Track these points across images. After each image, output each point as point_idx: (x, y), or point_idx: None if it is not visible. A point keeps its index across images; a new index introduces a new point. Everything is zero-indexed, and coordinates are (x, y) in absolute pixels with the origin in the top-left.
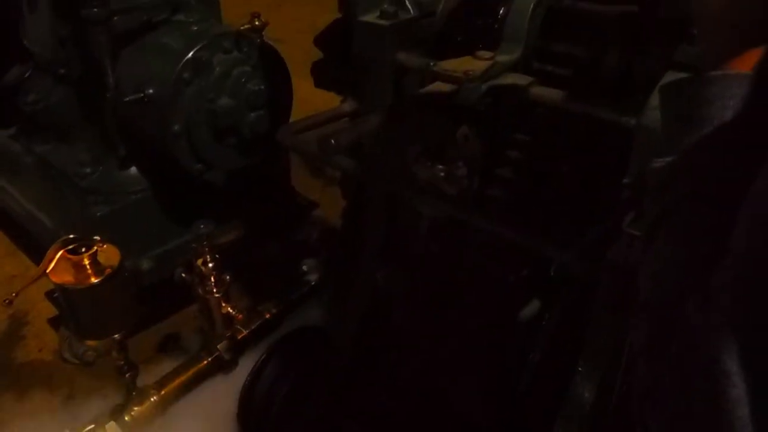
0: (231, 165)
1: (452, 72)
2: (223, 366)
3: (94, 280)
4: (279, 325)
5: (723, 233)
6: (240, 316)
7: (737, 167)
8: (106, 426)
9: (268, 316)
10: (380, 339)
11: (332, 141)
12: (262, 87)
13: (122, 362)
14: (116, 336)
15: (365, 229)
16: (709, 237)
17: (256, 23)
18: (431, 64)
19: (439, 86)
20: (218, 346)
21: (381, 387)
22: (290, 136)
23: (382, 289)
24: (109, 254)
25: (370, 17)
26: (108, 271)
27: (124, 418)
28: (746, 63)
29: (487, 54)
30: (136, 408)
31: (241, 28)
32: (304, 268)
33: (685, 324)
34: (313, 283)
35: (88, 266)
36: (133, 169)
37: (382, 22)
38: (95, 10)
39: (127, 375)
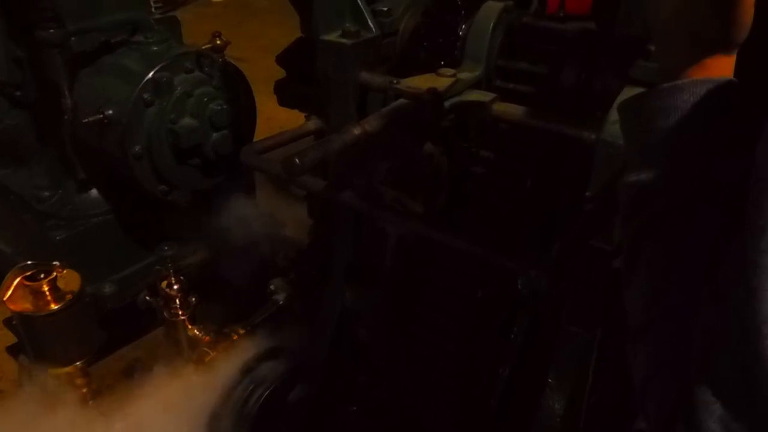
0: (195, 186)
1: (415, 89)
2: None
3: (53, 306)
4: (247, 346)
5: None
6: (207, 338)
7: (732, 168)
8: None
9: (235, 337)
10: (350, 358)
11: (296, 161)
12: (225, 106)
13: (85, 390)
14: (78, 363)
15: (333, 248)
16: (711, 237)
17: (218, 42)
18: (394, 82)
19: (402, 104)
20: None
21: (352, 406)
22: (254, 156)
23: (350, 308)
24: (69, 279)
25: (333, 36)
26: (68, 296)
27: None
28: (705, 69)
29: (449, 71)
30: None
31: (203, 47)
32: (272, 287)
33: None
34: (281, 303)
35: (47, 292)
36: (93, 192)
37: (344, 41)
38: (51, 31)
39: (90, 402)
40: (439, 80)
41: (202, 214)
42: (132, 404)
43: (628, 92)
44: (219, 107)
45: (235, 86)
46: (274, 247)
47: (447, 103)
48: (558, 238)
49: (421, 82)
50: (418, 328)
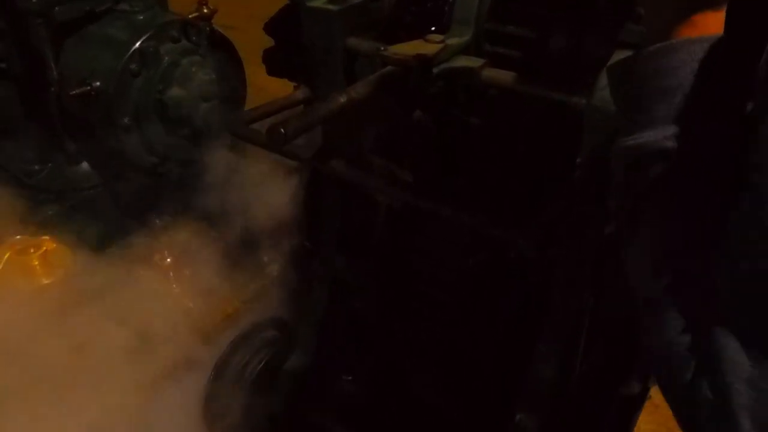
0: (185, 157)
1: (403, 56)
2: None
3: (45, 281)
4: (241, 318)
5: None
6: (200, 311)
7: (731, 125)
8: None
9: (230, 310)
10: (343, 328)
11: (282, 130)
12: (214, 76)
13: None
14: None
15: (322, 218)
16: (717, 196)
17: (205, 11)
18: (381, 49)
19: (390, 71)
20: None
21: (346, 377)
22: (241, 126)
23: (341, 278)
24: (60, 254)
25: (319, 2)
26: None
27: None
28: (694, 27)
29: (438, 37)
30: None
31: (189, 16)
32: (265, 259)
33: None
34: (274, 275)
35: (38, 267)
36: (84, 165)
37: (331, 7)
38: (33, 0)
39: None
40: (428, 46)
41: (194, 184)
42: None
43: (618, 56)
44: (207, 77)
45: (223, 56)
46: (267, 218)
47: (435, 70)
48: (548, 206)
49: (409, 48)
50: (410, 297)
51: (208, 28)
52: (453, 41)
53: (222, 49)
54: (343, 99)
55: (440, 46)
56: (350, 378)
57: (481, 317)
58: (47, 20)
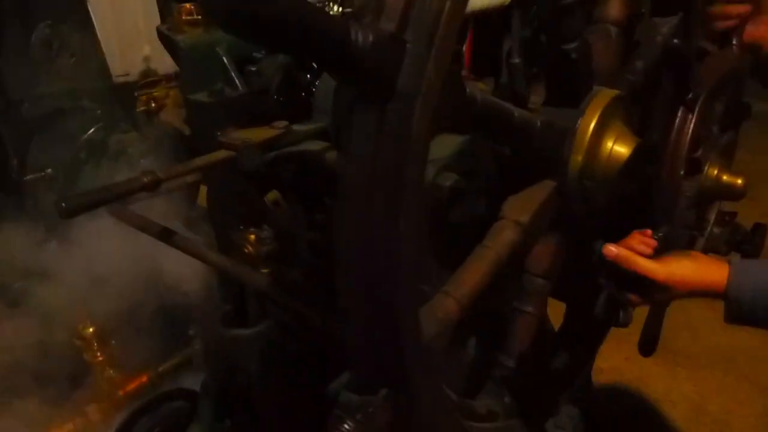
0: None
1: (232, 141)
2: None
3: None
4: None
5: None
6: (117, 378)
7: None
8: None
9: (145, 379)
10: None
11: (63, 204)
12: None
13: None
14: None
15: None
16: None
17: (153, 105)
18: (218, 134)
19: (222, 154)
20: (87, 408)
21: None
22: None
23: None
24: None
25: (201, 95)
26: None
27: None
28: None
29: (281, 124)
30: None
31: (138, 110)
32: (191, 332)
33: None
34: (196, 347)
35: None
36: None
37: (207, 99)
38: None
39: None
40: (268, 132)
41: None
42: None
43: None
44: (150, 164)
45: (170, 144)
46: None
47: (273, 154)
48: None
49: (248, 134)
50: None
51: (156, 120)
52: (300, 127)
53: (168, 136)
54: (146, 179)
55: (279, 131)
56: None
57: None
58: (7, 117)
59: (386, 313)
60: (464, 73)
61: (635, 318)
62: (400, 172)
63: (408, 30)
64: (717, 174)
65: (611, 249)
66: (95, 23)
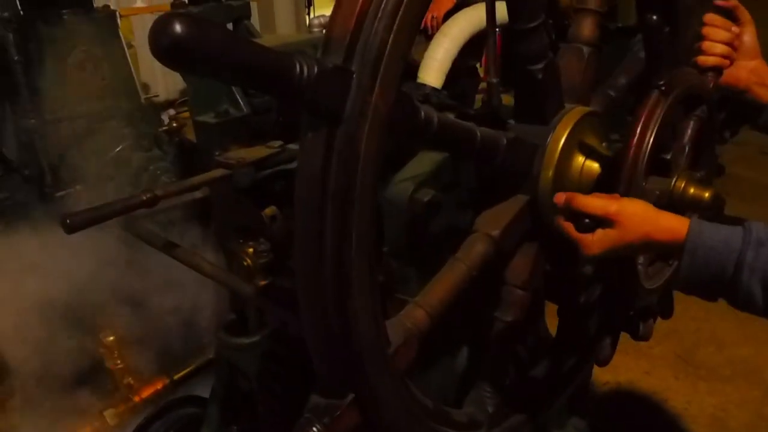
0: None
1: (227, 159)
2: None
3: None
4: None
5: None
6: (135, 384)
7: None
8: None
9: (160, 386)
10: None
11: (67, 221)
12: (175, 179)
13: None
14: None
15: None
16: None
17: (174, 125)
18: (216, 153)
19: (219, 172)
20: (105, 413)
21: None
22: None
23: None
24: None
25: (207, 117)
26: None
27: None
28: None
29: (276, 143)
30: None
31: (160, 129)
32: (205, 341)
33: None
34: (210, 357)
35: None
36: None
37: (213, 120)
38: (32, 120)
39: None
40: (263, 151)
41: None
42: None
43: None
44: (168, 180)
45: (189, 160)
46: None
47: (267, 171)
48: None
49: (245, 152)
50: None
51: (177, 139)
52: (294, 146)
53: (189, 154)
54: (145, 196)
55: (274, 150)
56: None
57: None
58: (43, 135)
59: (340, 321)
60: (493, 82)
61: (654, 334)
62: (348, 192)
63: (353, 61)
64: (684, 186)
65: (560, 195)
66: (137, 47)
